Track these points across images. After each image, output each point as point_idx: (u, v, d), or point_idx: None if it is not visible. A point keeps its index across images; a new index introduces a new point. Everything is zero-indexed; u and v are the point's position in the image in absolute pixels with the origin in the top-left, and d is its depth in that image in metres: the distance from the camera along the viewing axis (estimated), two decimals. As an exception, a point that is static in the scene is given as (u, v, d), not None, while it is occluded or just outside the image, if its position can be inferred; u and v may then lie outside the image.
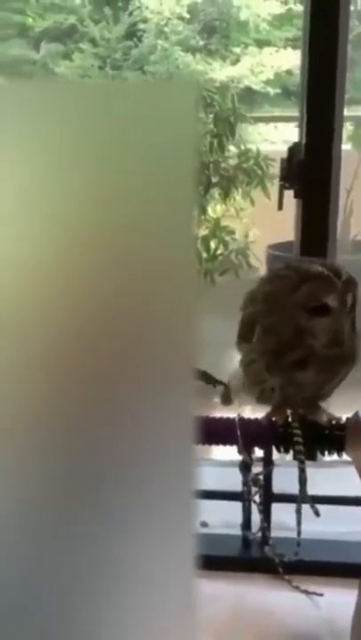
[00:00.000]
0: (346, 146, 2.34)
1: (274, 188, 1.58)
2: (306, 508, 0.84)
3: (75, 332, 0.38)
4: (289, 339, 0.80)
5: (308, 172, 1.13)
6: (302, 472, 0.85)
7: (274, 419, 0.87)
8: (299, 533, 0.85)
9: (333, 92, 1.12)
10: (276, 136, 3.88)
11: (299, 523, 0.85)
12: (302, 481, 0.86)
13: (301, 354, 0.80)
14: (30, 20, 4.63)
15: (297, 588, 0.84)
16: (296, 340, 0.79)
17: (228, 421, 0.88)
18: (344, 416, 0.84)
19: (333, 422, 0.85)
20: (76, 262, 0.37)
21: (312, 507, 0.84)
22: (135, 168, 0.37)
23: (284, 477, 0.90)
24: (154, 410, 0.38)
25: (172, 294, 0.37)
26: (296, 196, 1.16)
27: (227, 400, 0.96)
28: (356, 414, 0.73)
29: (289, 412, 0.87)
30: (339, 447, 0.83)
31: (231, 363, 1.02)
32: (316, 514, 0.83)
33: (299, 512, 0.85)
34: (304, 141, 1.14)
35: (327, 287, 0.77)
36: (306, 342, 0.79)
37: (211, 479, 0.98)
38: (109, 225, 0.37)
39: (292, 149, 1.16)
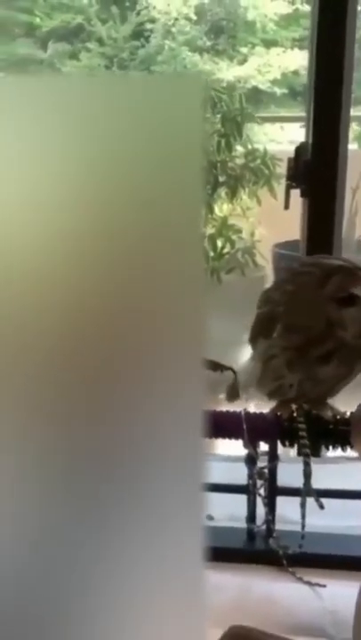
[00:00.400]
0: (352, 145, 2.34)
1: (280, 187, 1.59)
2: (309, 501, 0.86)
3: (84, 329, 0.38)
4: (319, 332, 0.82)
5: (315, 171, 1.14)
6: (307, 466, 0.87)
7: (279, 413, 0.89)
8: (303, 526, 0.86)
9: (340, 92, 1.13)
10: (283, 136, 3.88)
11: (303, 516, 0.87)
12: (307, 474, 0.87)
13: (332, 345, 0.82)
14: (38, 19, 4.64)
15: (300, 579, 0.86)
16: (327, 332, 0.81)
17: (235, 415, 0.89)
18: (349, 411, 0.85)
19: (338, 417, 0.86)
20: (83, 261, 0.37)
21: (316, 500, 0.86)
22: (142, 164, 0.37)
23: (289, 472, 0.91)
24: (164, 405, 0.39)
25: (181, 291, 0.38)
26: (302, 195, 1.17)
27: (233, 395, 0.97)
28: (359, 408, 0.74)
29: (294, 406, 0.88)
30: (343, 442, 0.85)
31: (238, 359, 1.03)
32: (321, 507, 0.85)
33: (303, 505, 0.87)
34: (311, 141, 1.15)
35: (353, 278, 0.80)
36: (336, 334, 0.81)
37: (217, 473, 0.99)
38: (117, 223, 0.37)
39: (299, 149, 1.17)
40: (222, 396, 1.00)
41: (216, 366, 0.95)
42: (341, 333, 0.82)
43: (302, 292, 0.84)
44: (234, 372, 0.97)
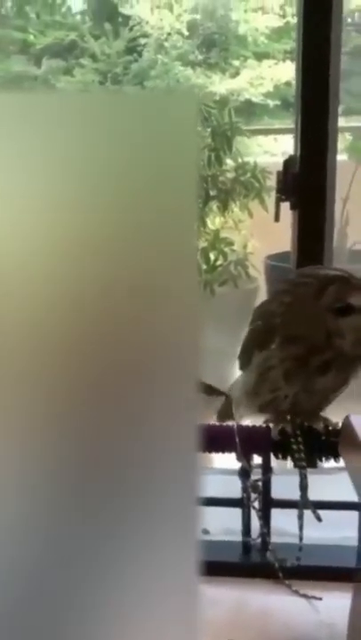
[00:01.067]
0: (342, 156, 2.36)
1: (271, 200, 1.60)
2: (304, 513, 0.86)
3: (76, 344, 0.38)
4: (316, 343, 0.82)
5: (303, 183, 1.15)
6: (304, 478, 0.87)
7: (272, 425, 0.89)
8: (301, 538, 0.86)
9: (327, 103, 1.14)
10: (277, 148, 3.90)
11: (300, 528, 0.86)
12: (303, 487, 0.87)
13: (330, 355, 0.82)
14: (32, 36, 4.68)
15: (296, 592, 0.85)
16: (326, 342, 0.82)
17: (227, 428, 0.89)
18: (340, 422, 0.85)
19: (330, 428, 0.86)
20: (75, 275, 0.38)
21: (314, 512, 0.85)
22: (137, 179, 0.37)
23: (283, 484, 0.91)
24: (158, 419, 0.39)
25: (176, 305, 0.38)
26: (292, 207, 1.18)
27: (226, 415, 0.97)
28: (346, 418, 0.75)
29: (288, 418, 0.88)
30: (336, 453, 0.85)
31: (231, 371, 1.03)
32: (318, 519, 0.85)
33: (300, 517, 0.87)
34: (299, 153, 1.16)
35: (349, 288, 0.81)
36: (335, 344, 0.82)
37: (213, 487, 0.99)
38: (112, 237, 0.37)
39: (288, 162, 1.18)
40: (214, 416, 1.00)
41: (211, 391, 0.95)
42: (340, 342, 0.82)
43: (300, 303, 0.85)
44: (227, 396, 0.98)
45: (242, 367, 0.95)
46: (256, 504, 0.91)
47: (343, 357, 0.84)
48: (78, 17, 4.85)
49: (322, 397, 0.87)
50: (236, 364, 0.98)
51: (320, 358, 0.84)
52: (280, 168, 1.20)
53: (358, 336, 0.83)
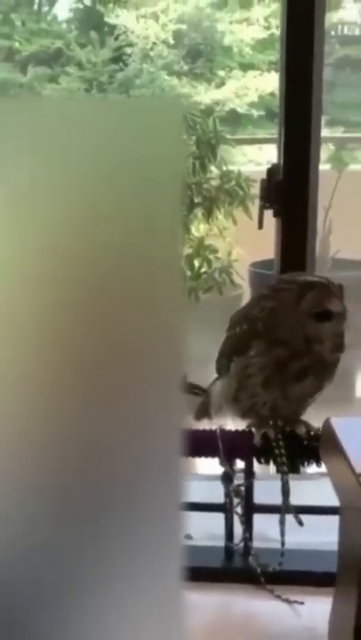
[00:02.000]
0: (326, 166, 2.38)
1: (255, 208, 1.61)
2: (286, 518, 0.86)
3: (61, 348, 0.39)
4: (297, 348, 0.84)
5: (286, 192, 1.17)
6: (286, 483, 0.88)
7: (255, 430, 0.90)
8: (283, 544, 0.87)
9: (310, 113, 1.16)
10: (261, 157, 3.94)
11: (282, 533, 0.87)
12: (286, 492, 0.88)
13: (309, 361, 0.83)
14: (17, 44, 4.69)
15: (278, 596, 0.86)
16: (305, 348, 0.83)
17: (210, 433, 0.90)
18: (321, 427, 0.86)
19: (312, 433, 0.87)
20: (60, 281, 0.38)
21: (295, 517, 0.86)
22: (122, 187, 0.37)
23: (266, 489, 0.92)
24: (142, 424, 0.39)
25: (161, 311, 0.38)
26: (275, 215, 1.19)
27: (203, 414, 0.98)
28: (327, 421, 0.75)
29: (271, 423, 0.89)
30: (317, 458, 0.85)
31: (214, 376, 1.03)
32: (300, 523, 0.86)
33: (282, 523, 0.87)
34: (282, 162, 1.18)
35: (329, 293, 0.83)
36: (314, 349, 0.83)
37: (197, 492, 0.99)
38: (96, 245, 0.38)
39: (271, 170, 1.19)
40: (190, 415, 1.01)
41: (191, 388, 0.96)
42: (318, 348, 0.83)
43: (281, 308, 0.86)
44: (206, 392, 0.98)
45: (219, 372, 0.96)
46: (239, 509, 0.91)
47: (321, 363, 0.85)
48: (64, 25, 4.86)
49: (300, 403, 0.88)
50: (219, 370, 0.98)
51: (299, 364, 0.85)
52: (265, 176, 1.22)
53: (336, 342, 0.84)
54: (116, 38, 4.53)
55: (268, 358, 0.86)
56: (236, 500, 0.91)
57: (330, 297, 0.84)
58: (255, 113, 4.44)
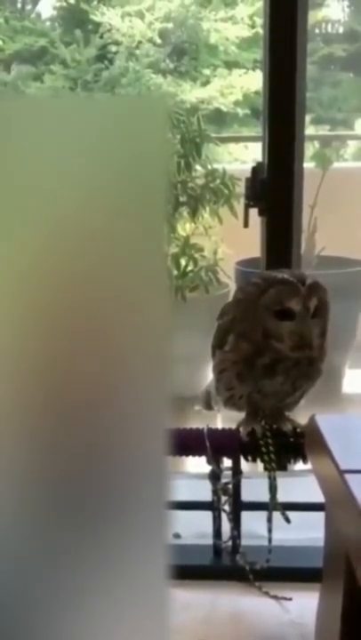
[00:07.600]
0: (310, 164, 2.39)
1: (241, 206, 1.62)
2: (273, 515, 0.87)
3: (49, 350, 0.39)
4: (259, 343, 0.84)
5: (271, 190, 1.17)
6: (273, 480, 0.88)
7: (242, 429, 0.90)
8: (270, 540, 0.87)
9: (293, 112, 1.16)
10: (247, 155, 3.94)
11: (270, 530, 0.87)
12: (273, 489, 0.88)
13: (269, 358, 0.84)
14: (1, 42, 4.65)
15: (266, 593, 0.86)
16: (265, 344, 0.84)
17: (198, 432, 0.90)
18: (308, 424, 0.87)
19: (298, 430, 0.88)
20: (47, 281, 0.38)
21: (283, 514, 0.87)
22: (107, 184, 0.37)
23: (253, 487, 0.92)
24: (128, 424, 0.39)
25: (147, 310, 0.38)
26: (260, 213, 1.20)
27: (207, 406, 1.00)
28: (311, 418, 0.76)
29: (259, 421, 0.90)
30: (304, 455, 0.86)
31: (203, 375, 1.04)
32: (287, 521, 0.86)
33: (270, 520, 0.88)
34: (267, 160, 1.18)
35: (291, 291, 0.83)
36: (273, 346, 0.84)
37: (184, 491, 0.99)
38: (81, 242, 0.37)
39: (256, 169, 1.19)
40: (198, 407, 1.03)
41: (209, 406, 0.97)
42: (277, 345, 0.84)
43: (247, 301, 0.87)
44: (207, 392, 1.00)
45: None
46: (226, 507, 0.92)
47: (287, 361, 0.85)
48: (48, 23, 4.83)
49: (277, 400, 0.89)
50: (207, 369, 1.00)
51: (263, 360, 0.85)
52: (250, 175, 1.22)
53: (296, 341, 0.84)
54: (101, 36, 4.51)
55: (239, 354, 0.87)
56: (223, 498, 0.91)
57: (292, 295, 0.84)
58: (240, 111, 4.44)
